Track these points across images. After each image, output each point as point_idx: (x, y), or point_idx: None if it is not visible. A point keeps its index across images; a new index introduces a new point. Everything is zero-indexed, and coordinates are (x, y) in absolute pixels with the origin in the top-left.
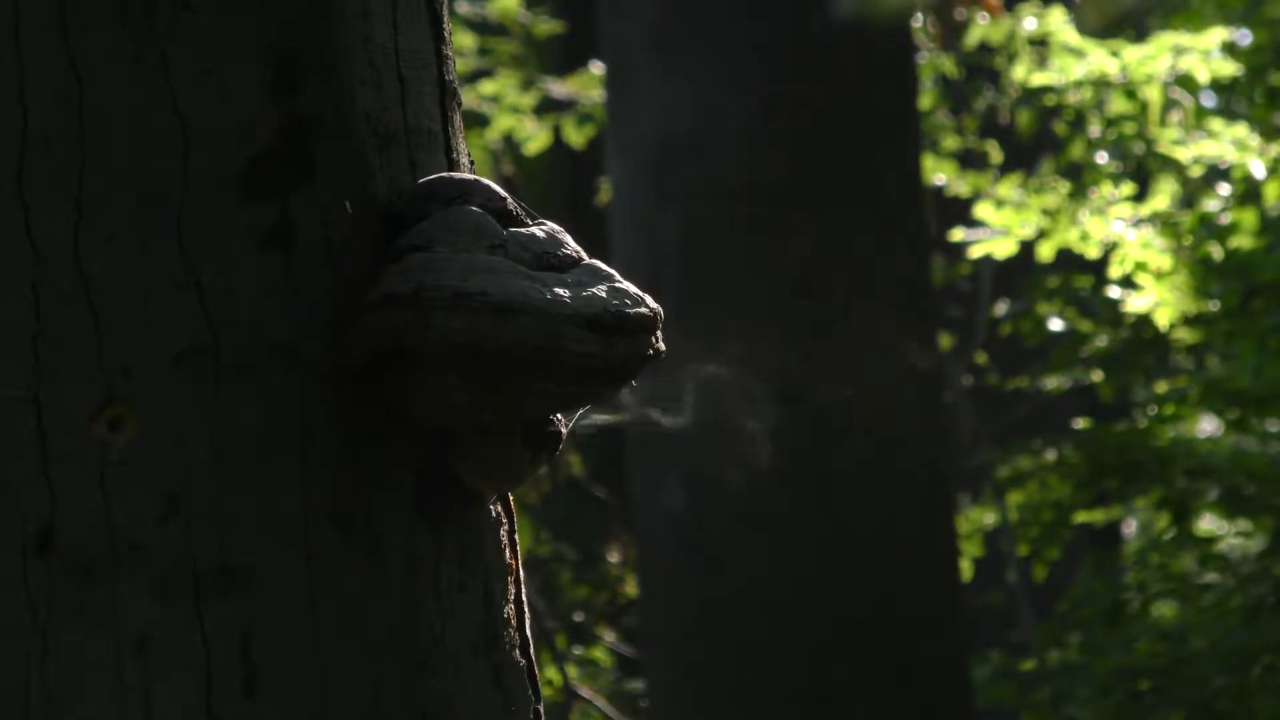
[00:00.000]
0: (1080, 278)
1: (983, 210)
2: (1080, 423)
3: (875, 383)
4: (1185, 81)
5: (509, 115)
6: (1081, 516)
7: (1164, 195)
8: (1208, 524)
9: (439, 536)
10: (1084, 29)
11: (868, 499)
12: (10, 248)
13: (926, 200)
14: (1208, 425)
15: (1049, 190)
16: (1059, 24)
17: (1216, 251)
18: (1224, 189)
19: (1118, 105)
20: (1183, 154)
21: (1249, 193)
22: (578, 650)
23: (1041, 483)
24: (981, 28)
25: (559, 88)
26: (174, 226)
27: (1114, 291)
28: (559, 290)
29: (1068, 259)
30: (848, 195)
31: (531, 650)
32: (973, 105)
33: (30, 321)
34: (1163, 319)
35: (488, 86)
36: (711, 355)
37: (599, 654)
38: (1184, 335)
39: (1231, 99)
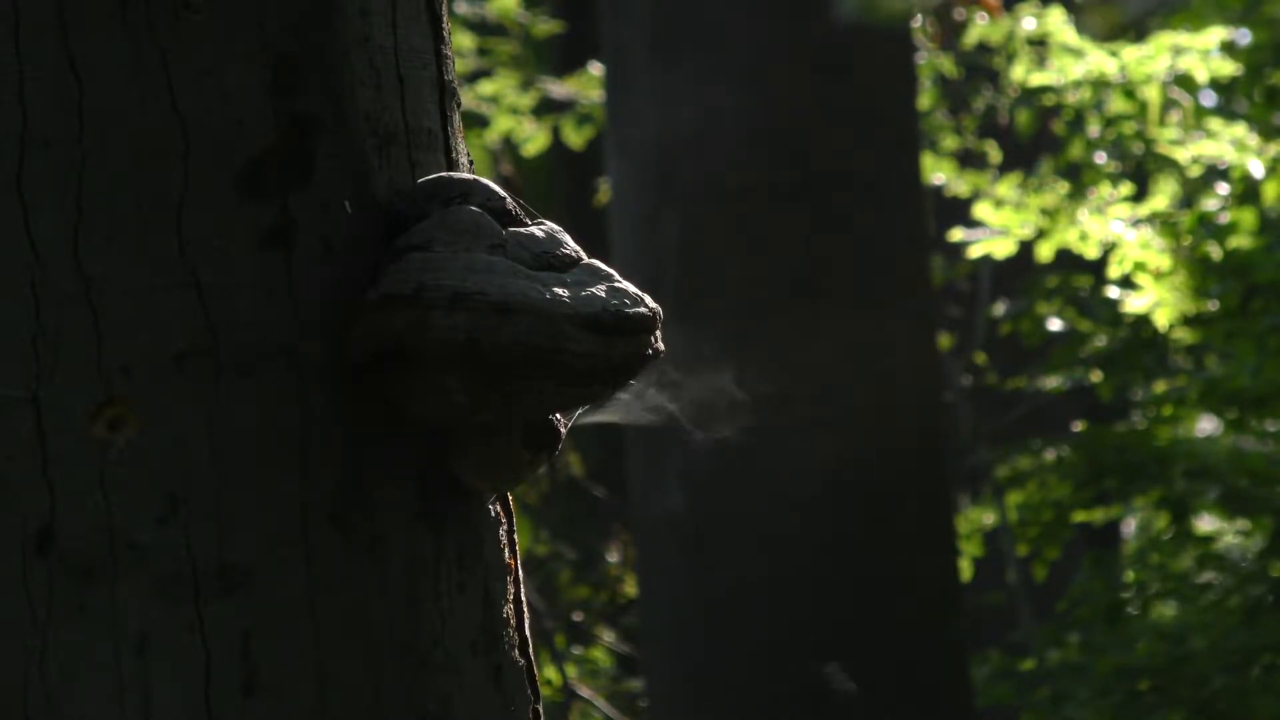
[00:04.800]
0: (1079, 278)
1: (982, 210)
2: (1079, 423)
3: (875, 383)
4: (1184, 81)
5: (508, 116)
6: (1080, 516)
7: (1163, 195)
8: (1207, 524)
9: (439, 536)
10: (1087, 34)
11: (867, 499)
12: (10, 248)
13: (926, 200)
14: (1207, 425)
15: (1048, 190)
16: (1058, 24)
17: (1215, 251)
18: (1223, 189)
19: (1117, 105)
20: (1181, 154)
21: (1248, 192)
22: (577, 650)
23: (1041, 483)
24: (980, 28)
25: (558, 88)
26: (174, 226)
27: (1113, 291)
28: (558, 290)
29: (1067, 259)
30: (848, 195)
31: (531, 650)
32: (972, 105)
33: (30, 321)
34: (1162, 319)
35: (487, 87)
36: (711, 355)
37: (598, 654)
38: (1183, 335)
39: (1231, 99)
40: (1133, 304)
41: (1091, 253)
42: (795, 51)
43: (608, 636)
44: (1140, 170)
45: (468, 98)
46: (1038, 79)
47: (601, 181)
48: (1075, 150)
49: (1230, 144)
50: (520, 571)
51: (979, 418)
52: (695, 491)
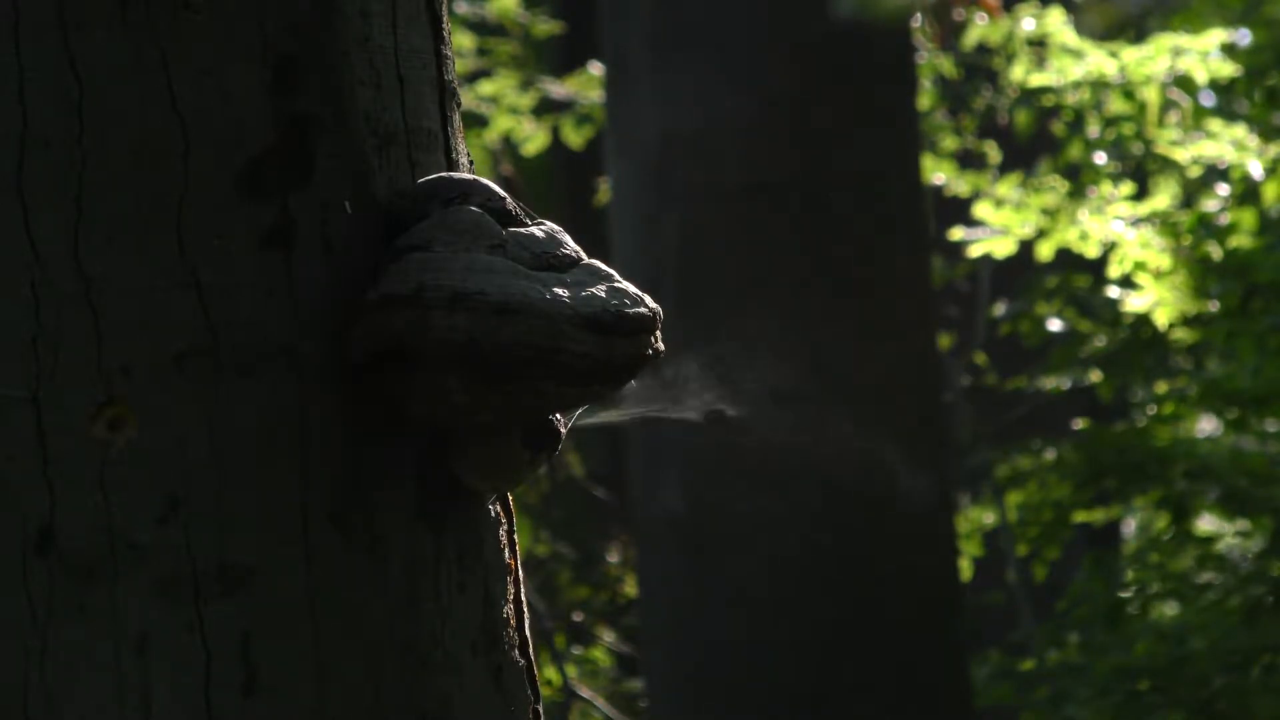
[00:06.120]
0: (1079, 277)
1: (982, 209)
2: (1080, 423)
3: (875, 382)
4: (1184, 82)
5: (508, 116)
6: (1081, 516)
7: (1163, 195)
8: (1207, 524)
9: (439, 537)
10: (1086, 34)
11: (867, 498)
12: (10, 248)
13: (926, 200)
14: (1207, 425)
15: (1047, 190)
16: (1057, 25)
17: (1215, 251)
18: (1223, 189)
19: (1116, 106)
20: (1181, 154)
21: (1247, 193)
22: (577, 650)
23: (1041, 483)
24: (980, 28)
25: (558, 88)
26: (174, 226)
27: (1113, 291)
28: (558, 290)
29: (1067, 258)
30: (848, 195)
31: (531, 650)
32: (971, 105)
33: (30, 321)
34: (1162, 318)
35: (487, 87)
36: (711, 355)
37: (598, 654)
38: (1183, 335)
39: (1230, 99)
40: (1133, 303)
41: (1092, 252)
42: (795, 51)
43: (608, 636)
44: (1140, 170)
45: (468, 98)
46: (1037, 79)
47: (601, 181)
48: (1074, 151)
49: (1230, 144)
50: (520, 571)
51: (979, 418)
52: (695, 491)
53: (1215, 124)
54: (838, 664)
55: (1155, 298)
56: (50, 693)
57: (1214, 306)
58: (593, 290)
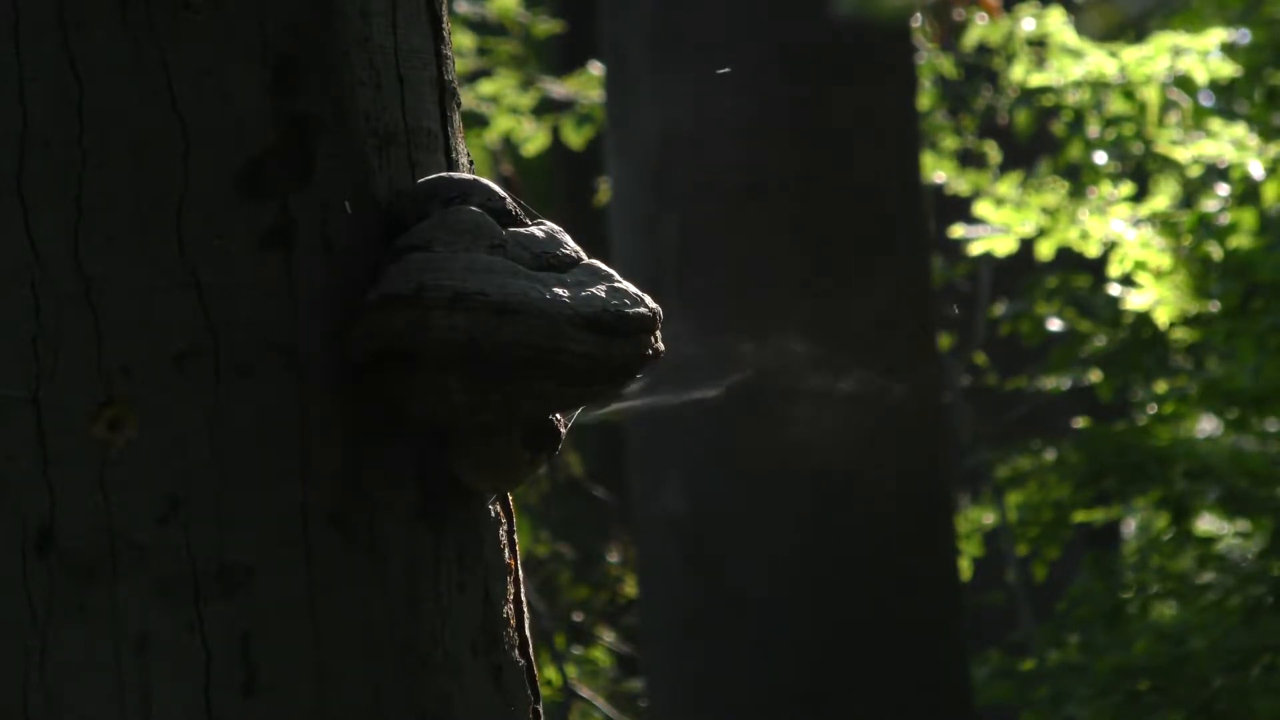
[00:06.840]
0: (1079, 277)
1: (982, 208)
2: (1080, 423)
3: (874, 382)
4: (1184, 82)
5: (508, 116)
6: (1081, 516)
7: (1163, 195)
8: (1207, 524)
9: (439, 537)
10: (1086, 35)
11: (867, 499)
12: (10, 248)
13: (926, 200)
14: (1207, 425)
15: (1048, 190)
16: (1057, 25)
17: (1215, 251)
18: (1223, 189)
19: (1116, 106)
20: (1181, 154)
21: (1248, 193)
22: (577, 650)
23: (1041, 483)
24: (980, 28)
25: (558, 88)
26: (174, 226)
27: (1113, 290)
28: (558, 290)
29: (1067, 258)
30: (848, 195)
31: (531, 650)
32: (971, 105)
33: (30, 321)
34: (1162, 318)
35: (487, 86)
36: (711, 354)
37: (598, 654)
38: (1183, 335)
39: (1230, 99)
40: (1133, 302)
41: (1092, 251)
42: (795, 51)
43: (608, 636)
44: (1140, 170)
45: (468, 98)
46: (1037, 79)
47: (601, 181)
48: (1074, 151)
49: (1230, 144)
50: (520, 571)
51: (979, 418)
52: (695, 491)
53: (1215, 124)
54: (838, 664)
55: (1155, 297)
56: (50, 693)
57: (1214, 306)
58: (593, 290)
